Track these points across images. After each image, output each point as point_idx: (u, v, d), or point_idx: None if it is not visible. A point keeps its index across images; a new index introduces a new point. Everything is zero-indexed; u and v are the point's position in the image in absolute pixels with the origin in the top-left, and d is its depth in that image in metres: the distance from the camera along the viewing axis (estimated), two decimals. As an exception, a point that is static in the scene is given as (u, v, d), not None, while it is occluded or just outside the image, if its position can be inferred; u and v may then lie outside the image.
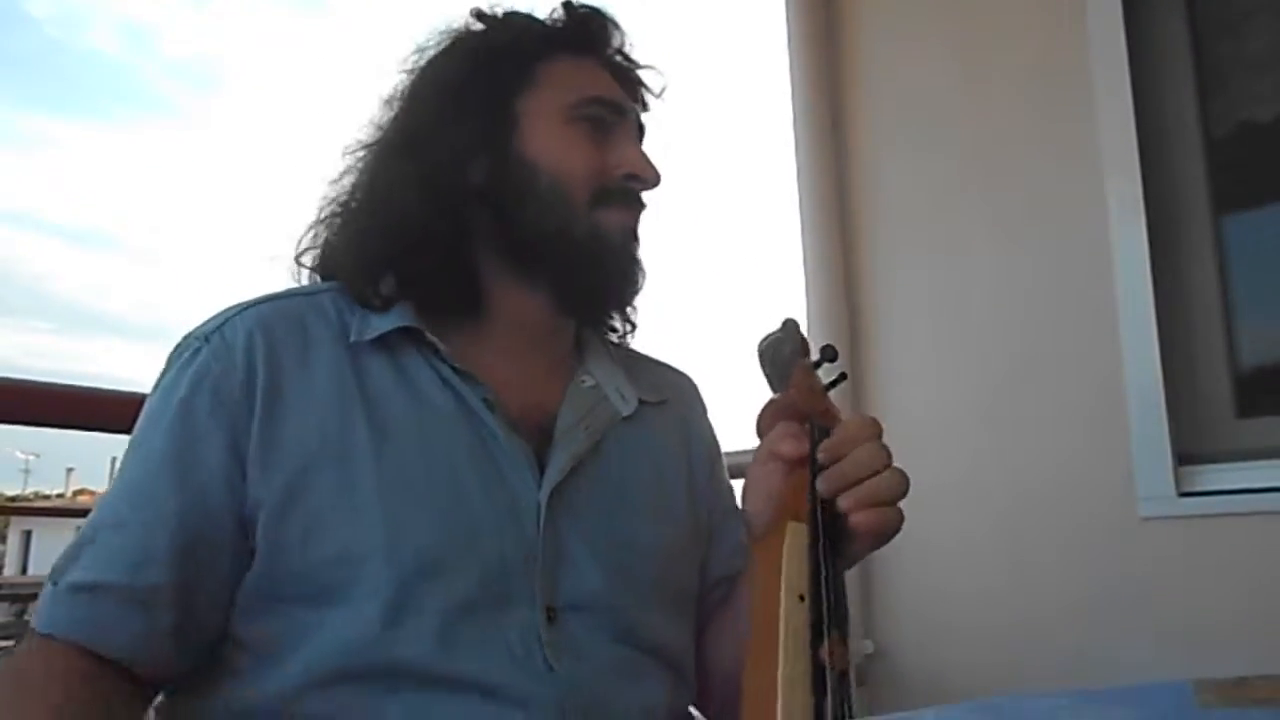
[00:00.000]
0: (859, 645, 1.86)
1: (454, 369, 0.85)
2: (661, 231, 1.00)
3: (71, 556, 0.77)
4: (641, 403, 0.96)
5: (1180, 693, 0.46)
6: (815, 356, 0.91)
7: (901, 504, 0.75)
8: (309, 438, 0.79)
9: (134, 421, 0.84)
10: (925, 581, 1.85)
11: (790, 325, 0.90)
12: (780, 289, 2.31)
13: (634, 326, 1.03)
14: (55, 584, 0.77)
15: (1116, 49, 1.83)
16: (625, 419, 0.94)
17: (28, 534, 26.16)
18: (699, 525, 0.97)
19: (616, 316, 1.01)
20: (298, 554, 0.77)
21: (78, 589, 0.75)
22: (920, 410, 1.97)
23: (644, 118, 0.99)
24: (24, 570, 24.37)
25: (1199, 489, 1.70)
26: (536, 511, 0.83)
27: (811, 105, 2.11)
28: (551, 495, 0.84)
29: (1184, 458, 1.73)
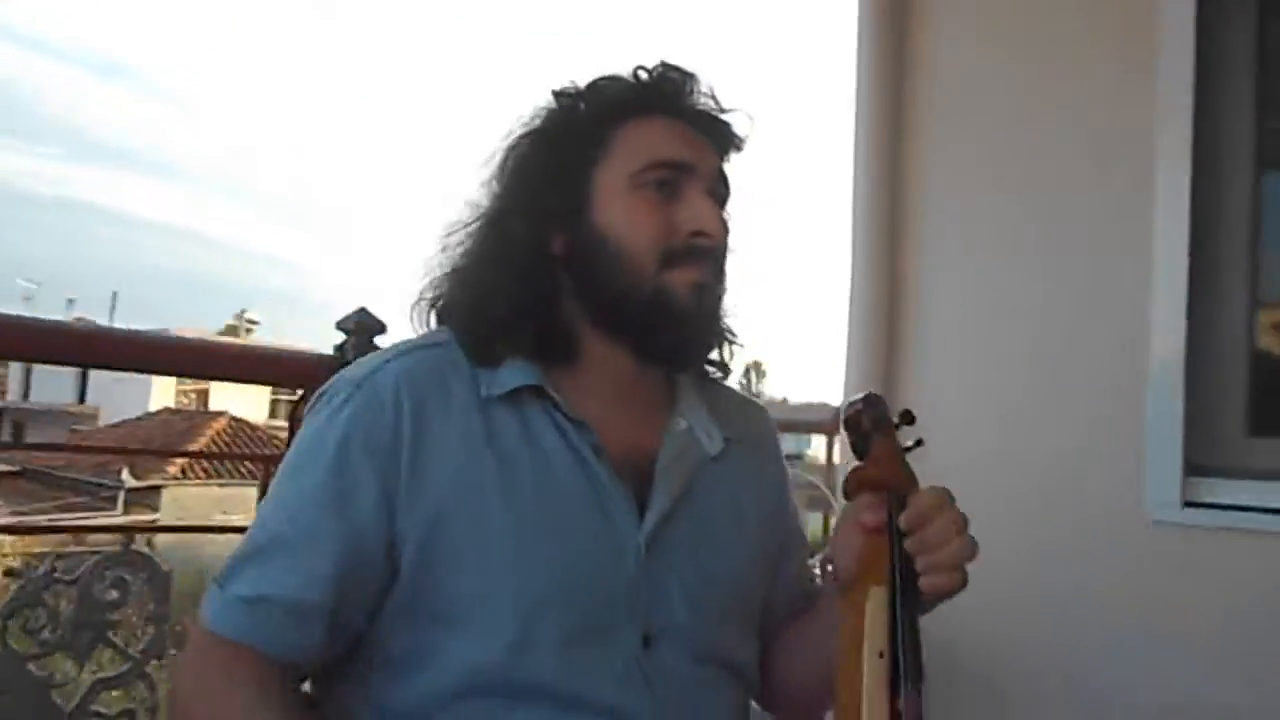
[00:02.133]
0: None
1: (569, 418, 0.96)
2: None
3: (238, 566, 0.91)
4: (726, 441, 1.07)
5: None
6: (895, 419, 1.02)
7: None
8: (448, 483, 0.91)
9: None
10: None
11: (872, 399, 1.01)
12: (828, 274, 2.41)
13: (727, 370, 1.12)
14: (222, 588, 0.90)
15: (1184, 74, 1.88)
16: (712, 459, 1.05)
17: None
18: (769, 551, 1.10)
19: (707, 361, 1.10)
20: (435, 586, 0.90)
21: (248, 600, 0.88)
22: (951, 398, 2.08)
23: (727, 163, 1.05)
24: (25, 396, 24.92)
25: (1205, 500, 1.82)
26: (637, 551, 0.95)
27: (875, 97, 2.17)
28: (650, 534, 0.96)
29: (1194, 469, 1.85)
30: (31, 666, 1.45)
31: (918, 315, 2.16)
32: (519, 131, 1.04)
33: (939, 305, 2.15)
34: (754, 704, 1.14)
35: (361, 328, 1.82)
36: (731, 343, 1.12)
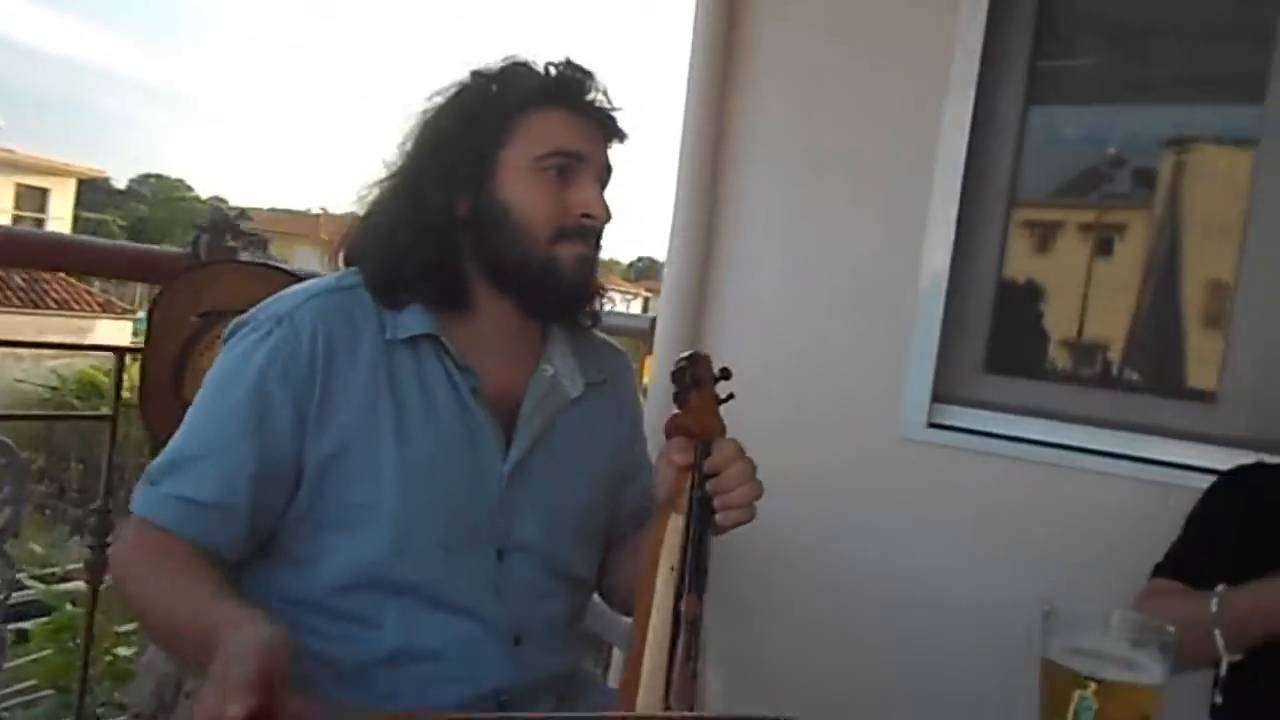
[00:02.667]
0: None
1: (456, 364, 1.15)
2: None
3: (167, 469, 1.08)
4: (587, 385, 1.28)
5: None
6: (716, 372, 1.24)
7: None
8: (351, 415, 1.10)
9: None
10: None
11: (696, 358, 1.23)
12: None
13: (597, 319, 1.32)
14: (155, 485, 1.07)
15: (978, 18, 2.16)
16: (573, 400, 1.26)
17: None
18: (617, 481, 1.33)
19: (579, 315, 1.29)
20: (333, 498, 1.10)
21: (181, 500, 1.06)
22: (752, 312, 2.39)
23: (613, 152, 1.24)
24: None
25: (946, 423, 2.20)
26: (499, 481, 1.17)
27: (707, 30, 2.38)
28: (511, 468, 1.17)
29: (940, 396, 2.20)
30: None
31: (734, 233, 2.41)
32: (437, 102, 1.20)
33: (752, 225, 2.40)
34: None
35: (215, 225, 1.91)
36: (601, 298, 1.31)
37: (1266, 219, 2.02)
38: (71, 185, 25.72)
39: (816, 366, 2.32)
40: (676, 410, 1.22)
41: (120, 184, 43.28)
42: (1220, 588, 1.37)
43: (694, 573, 1.11)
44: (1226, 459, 1.62)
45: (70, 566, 4.39)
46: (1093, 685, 0.80)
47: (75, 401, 11.42)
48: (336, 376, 1.10)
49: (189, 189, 44.72)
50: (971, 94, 2.16)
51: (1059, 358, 2.26)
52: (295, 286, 1.19)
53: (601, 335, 1.38)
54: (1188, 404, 2.11)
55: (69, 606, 3.23)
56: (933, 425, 2.20)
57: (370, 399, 1.11)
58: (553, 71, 1.20)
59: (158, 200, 42.56)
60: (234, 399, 1.08)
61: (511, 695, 1.15)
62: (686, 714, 1.02)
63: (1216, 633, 1.35)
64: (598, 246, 1.22)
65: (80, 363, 12.67)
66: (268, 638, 0.84)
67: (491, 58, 1.21)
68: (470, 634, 1.13)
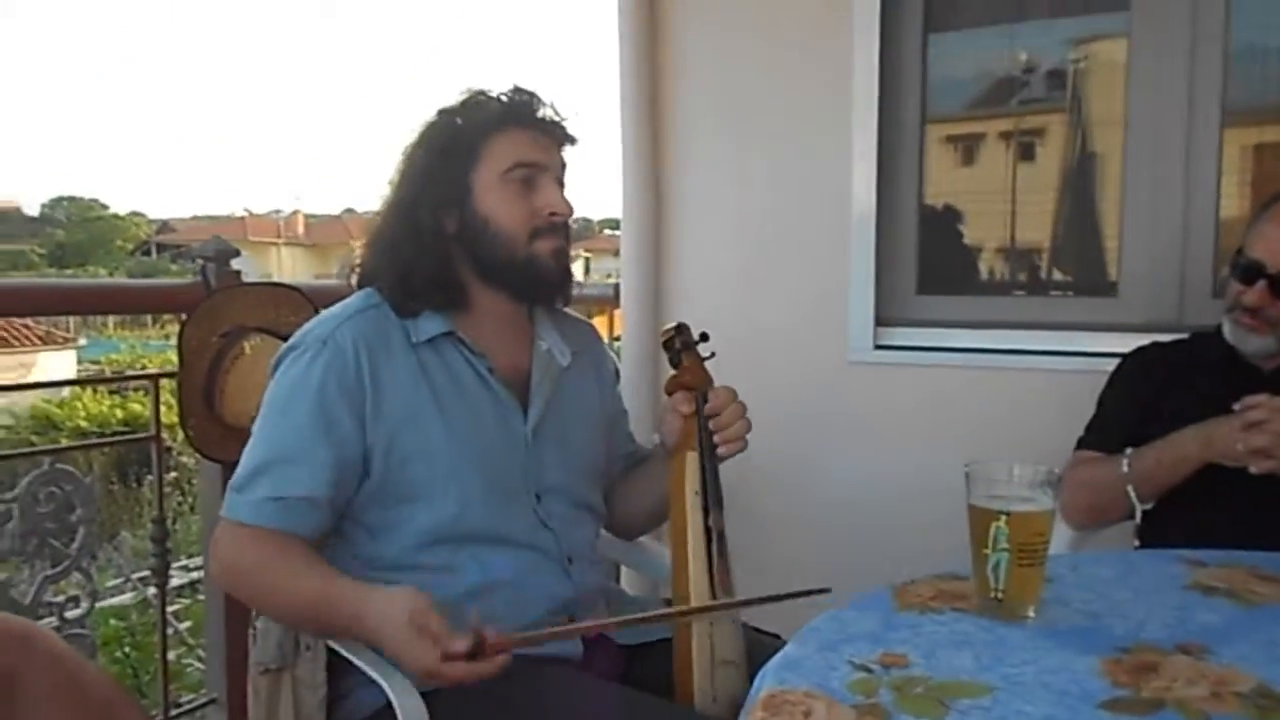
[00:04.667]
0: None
1: (472, 351, 1.40)
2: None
3: (250, 477, 1.30)
4: (572, 353, 1.53)
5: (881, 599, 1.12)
6: (696, 336, 1.49)
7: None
8: (399, 406, 1.34)
9: None
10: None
11: (681, 327, 1.48)
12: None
13: (568, 299, 1.54)
14: (241, 492, 1.30)
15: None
16: (565, 367, 1.51)
17: None
18: (607, 427, 1.60)
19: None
20: (397, 475, 1.33)
21: (271, 500, 1.29)
22: (707, 273, 2.65)
23: (569, 151, 1.46)
24: None
25: (888, 344, 2.48)
26: (524, 440, 1.42)
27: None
28: (532, 428, 1.43)
29: (881, 320, 2.48)
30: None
31: (678, 200, 2.67)
32: (414, 140, 1.43)
33: (694, 194, 2.66)
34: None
35: (220, 255, 2.12)
36: (572, 283, 1.53)
37: (1142, 101, 2.25)
38: (-19, 220, 25.09)
39: (768, 309, 2.58)
40: (673, 371, 1.47)
41: (32, 210, 42.08)
42: (1128, 450, 1.66)
43: (714, 494, 1.38)
44: (1128, 343, 1.90)
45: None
46: (1004, 516, 1.07)
47: (33, 438, 11.37)
48: (380, 379, 1.33)
49: (104, 207, 43.61)
50: (876, 30, 2.39)
51: (991, 267, 2.48)
52: (327, 312, 1.42)
53: (570, 311, 1.61)
54: (1094, 299, 2.39)
55: (110, 622, 3.43)
56: (879, 347, 2.47)
57: (412, 392, 1.35)
58: (504, 98, 1.42)
59: (73, 223, 41.47)
60: (301, 411, 1.30)
61: (576, 605, 1.41)
62: (751, 598, 1.29)
63: (1129, 488, 1.65)
64: (569, 238, 1.45)
65: (29, 398, 12.70)
66: (413, 595, 1.13)
67: (451, 92, 1.44)
68: (534, 561, 1.38)
